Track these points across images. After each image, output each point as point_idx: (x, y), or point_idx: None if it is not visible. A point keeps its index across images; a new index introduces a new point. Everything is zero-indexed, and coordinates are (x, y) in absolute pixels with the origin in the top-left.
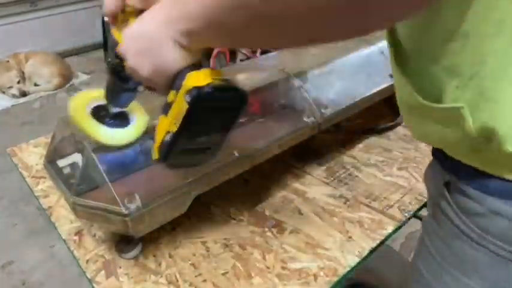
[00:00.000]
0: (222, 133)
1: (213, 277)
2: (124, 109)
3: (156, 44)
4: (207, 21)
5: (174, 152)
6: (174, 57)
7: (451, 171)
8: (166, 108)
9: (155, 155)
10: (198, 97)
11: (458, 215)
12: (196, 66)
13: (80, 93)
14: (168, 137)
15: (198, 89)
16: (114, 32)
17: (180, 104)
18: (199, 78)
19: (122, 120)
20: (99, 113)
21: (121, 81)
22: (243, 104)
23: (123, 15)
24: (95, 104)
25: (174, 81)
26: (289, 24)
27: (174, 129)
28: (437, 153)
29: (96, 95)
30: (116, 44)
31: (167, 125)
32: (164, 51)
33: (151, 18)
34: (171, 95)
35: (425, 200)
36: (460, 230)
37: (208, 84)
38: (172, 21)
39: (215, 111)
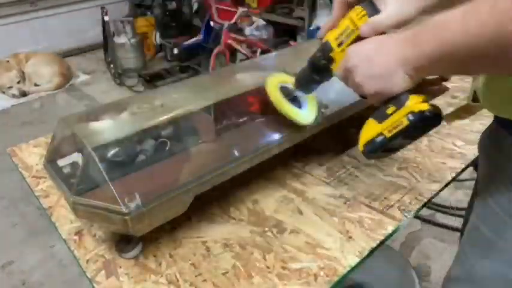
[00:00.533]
0: (411, 141)
1: (213, 277)
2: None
3: (389, 73)
4: (442, 62)
5: (379, 149)
6: (400, 84)
7: None
8: (380, 115)
9: (361, 147)
10: (420, 119)
11: None
12: (411, 89)
13: (274, 75)
14: (379, 139)
15: (422, 113)
16: (330, 36)
17: (400, 119)
18: (420, 103)
19: (299, 102)
20: (284, 92)
21: (318, 76)
22: (440, 122)
23: (348, 29)
24: (283, 85)
25: (393, 98)
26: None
27: (388, 135)
28: (505, 122)
29: (285, 79)
30: (329, 48)
31: (379, 129)
32: (394, 79)
33: (388, 52)
34: (391, 109)
35: (425, 200)
36: None
37: (428, 110)
38: (408, 59)
39: (421, 129)
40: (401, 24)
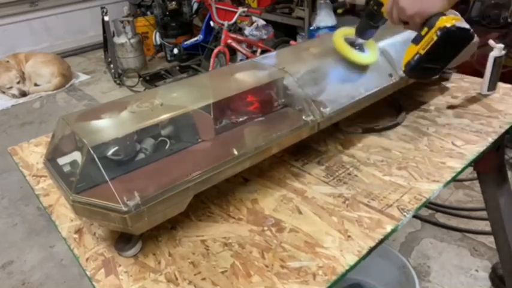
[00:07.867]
0: (448, 60)
1: (212, 275)
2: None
3: None
4: None
5: (418, 67)
6: (437, 4)
7: None
8: (417, 39)
9: (403, 68)
10: (447, 33)
11: None
12: (443, 13)
13: (339, 30)
14: (415, 57)
15: (447, 28)
16: None
17: (431, 37)
18: (448, 21)
19: (362, 48)
20: (350, 42)
21: (373, 22)
22: (469, 41)
23: None
24: (347, 37)
25: (427, 21)
26: None
27: (422, 52)
28: None
29: (349, 32)
30: None
31: (415, 50)
32: (434, 1)
33: None
34: (424, 30)
35: (424, 199)
36: None
37: (453, 25)
38: None
39: (451, 45)
40: None
